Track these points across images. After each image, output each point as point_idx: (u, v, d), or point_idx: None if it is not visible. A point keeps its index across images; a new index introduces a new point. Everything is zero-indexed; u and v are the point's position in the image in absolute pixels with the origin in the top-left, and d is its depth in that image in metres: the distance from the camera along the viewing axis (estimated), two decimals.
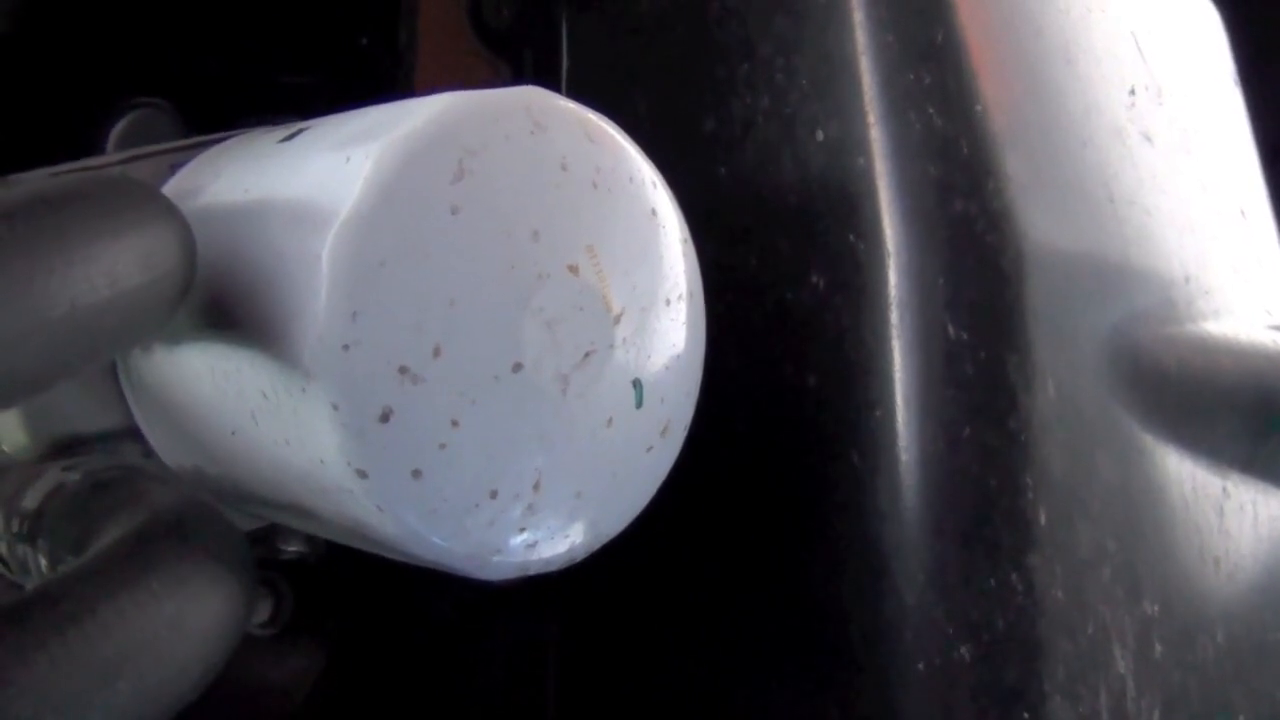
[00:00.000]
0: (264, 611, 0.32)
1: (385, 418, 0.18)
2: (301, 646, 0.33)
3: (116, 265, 0.15)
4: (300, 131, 0.21)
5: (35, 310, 0.13)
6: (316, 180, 0.19)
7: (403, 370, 0.18)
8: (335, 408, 0.18)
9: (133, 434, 0.23)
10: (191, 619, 0.16)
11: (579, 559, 0.21)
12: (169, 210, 0.17)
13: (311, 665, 0.33)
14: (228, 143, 0.24)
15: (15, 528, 0.21)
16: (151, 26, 0.35)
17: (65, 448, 0.23)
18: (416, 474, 0.18)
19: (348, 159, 0.18)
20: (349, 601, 0.34)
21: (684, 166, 0.23)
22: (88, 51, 0.34)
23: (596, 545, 0.21)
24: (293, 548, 0.33)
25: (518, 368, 0.19)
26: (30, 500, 0.21)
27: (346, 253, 0.17)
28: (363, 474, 0.18)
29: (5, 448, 0.23)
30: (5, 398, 0.14)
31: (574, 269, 0.20)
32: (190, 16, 0.36)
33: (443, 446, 0.18)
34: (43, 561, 0.20)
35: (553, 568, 0.21)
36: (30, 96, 0.33)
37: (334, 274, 0.17)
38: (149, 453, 0.24)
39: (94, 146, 0.34)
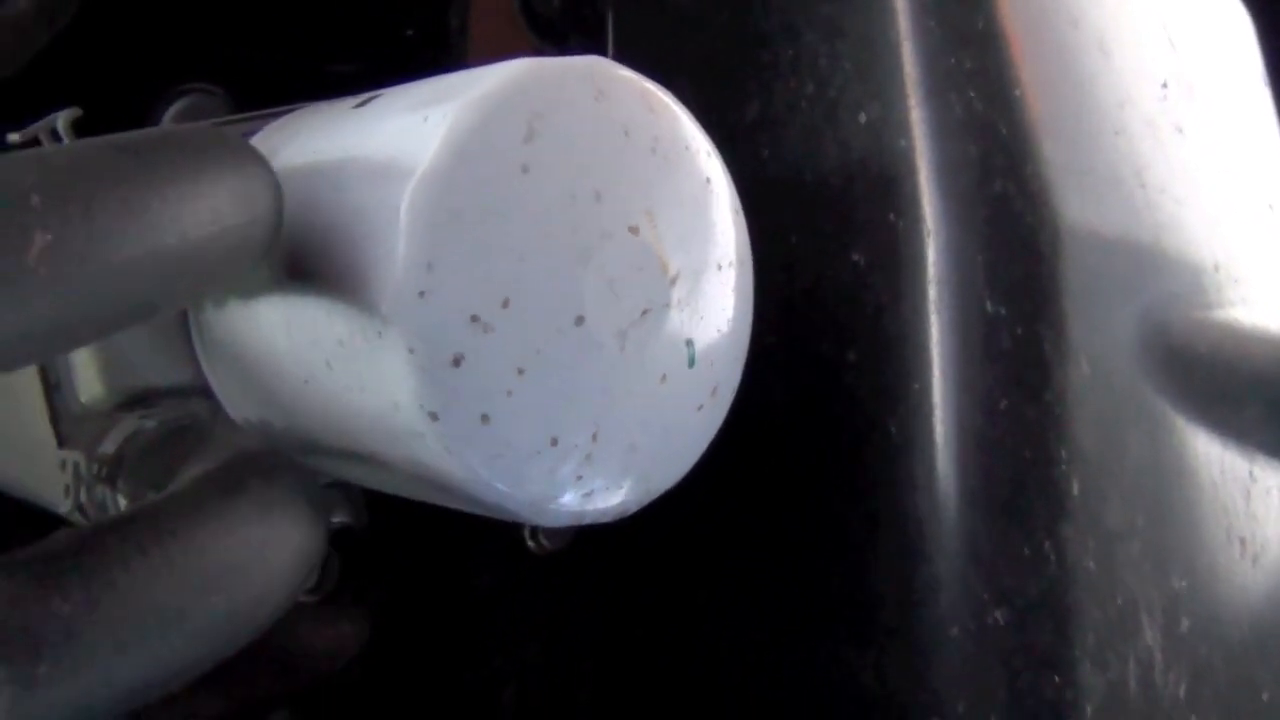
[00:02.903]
0: (310, 578, 0.33)
1: (457, 363, 0.19)
2: (346, 613, 0.34)
3: (219, 202, 0.16)
4: (373, 99, 0.22)
5: (151, 237, 0.14)
6: (394, 139, 0.20)
7: (474, 319, 0.19)
8: (411, 351, 0.18)
9: (202, 390, 0.24)
10: (275, 546, 0.17)
11: (630, 512, 0.22)
12: (259, 158, 0.18)
13: (355, 632, 0.34)
14: (298, 111, 0.25)
15: (95, 470, 0.22)
16: (205, 15, 0.36)
17: (139, 400, 0.24)
18: (485, 419, 0.19)
19: (425, 119, 0.19)
20: (392, 571, 0.35)
21: (728, 150, 0.23)
22: (142, 38, 0.36)
23: (647, 500, 0.22)
24: (338, 518, 0.34)
25: (580, 321, 0.20)
26: (109, 445, 0.22)
27: (424, 205, 0.18)
28: (434, 416, 0.19)
29: (82, 399, 0.24)
30: (117, 322, 0.15)
31: (634, 230, 0.21)
32: (242, 5, 0.37)
33: (509, 394, 0.19)
34: (122, 501, 0.21)
35: (606, 519, 0.22)
36: (85, 82, 0.34)
37: (412, 225, 0.18)
38: (216, 409, 0.25)
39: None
